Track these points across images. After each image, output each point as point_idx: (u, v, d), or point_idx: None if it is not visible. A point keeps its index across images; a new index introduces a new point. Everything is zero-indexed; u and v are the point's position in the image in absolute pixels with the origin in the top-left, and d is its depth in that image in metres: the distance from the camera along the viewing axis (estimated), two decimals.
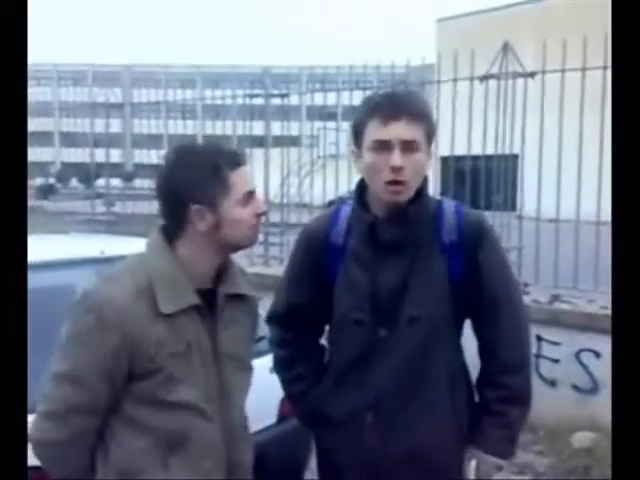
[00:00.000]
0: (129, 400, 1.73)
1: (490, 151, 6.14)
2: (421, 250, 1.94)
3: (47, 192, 34.58)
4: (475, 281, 1.95)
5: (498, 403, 1.98)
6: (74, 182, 49.85)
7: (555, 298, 5.41)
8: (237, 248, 1.83)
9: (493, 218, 5.84)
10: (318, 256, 2.05)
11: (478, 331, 2.05)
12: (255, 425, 2.57)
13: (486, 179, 6.30)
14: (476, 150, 6.19)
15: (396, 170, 1.84)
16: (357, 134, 1.94)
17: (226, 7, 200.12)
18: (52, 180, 46.91)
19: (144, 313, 1.69)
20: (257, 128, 8.08)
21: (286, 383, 2.22)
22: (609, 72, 4.79)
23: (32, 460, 1.76)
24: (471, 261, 1.95)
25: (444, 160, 6.80)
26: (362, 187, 2.00)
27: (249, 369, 1.98)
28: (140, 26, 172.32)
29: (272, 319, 2.22)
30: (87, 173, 11.27)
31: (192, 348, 1.75)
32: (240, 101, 8.02)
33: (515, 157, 6.26)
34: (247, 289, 1.93)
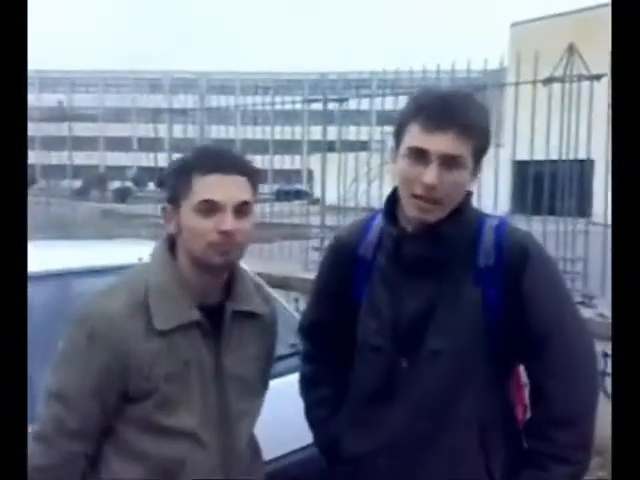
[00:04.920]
0: (123, 423, 1.60)
1: (554, 156, 5.98)
2: (452, 274, 1.67)
3: (123, 195, 35.47)
4: (519, 313, 1.64)
5: (540, 456, 1.64)
6: (151, 186, 51.19)
7: None
8: (201, 263, 1.60)
9: (559, 225, 5.73)
10: (345, 271, 1.82)
11: (527, 372, 1.74)
12: (289, 446, 2.51)
13: (554, 183, 6.13)
14: (553, 154, 6.02)
15: (428, 187, 1.58)
16: (398, 133, 1.66)
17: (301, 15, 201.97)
18: (129, 183, 48.31)
19: (137, 329, 1.56)
20: (325, 133, 8.09)
21: (308, 406, 1.98)
22: None
23: None
24: (512, 289, 1.64)
25: (518, 164, 6.69)
26: (394, 197, 1.72)
27: (259, 393, 1.81)
28: (218, 34, 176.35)
29: (300, 331, 2.02)
30: (163, 177, 11.48)
31: (191, 369, 1.60)
32: (314, 106, 8.02)
33: (582, 162, 6.09)
34: (260, 307, 1.74)
